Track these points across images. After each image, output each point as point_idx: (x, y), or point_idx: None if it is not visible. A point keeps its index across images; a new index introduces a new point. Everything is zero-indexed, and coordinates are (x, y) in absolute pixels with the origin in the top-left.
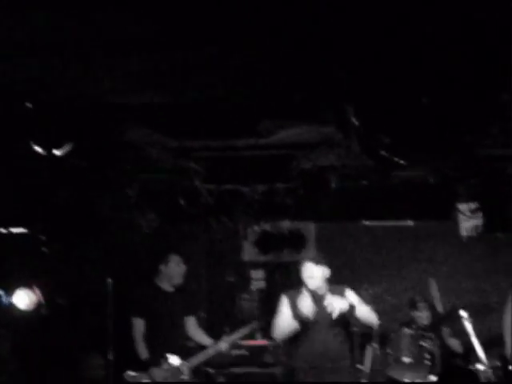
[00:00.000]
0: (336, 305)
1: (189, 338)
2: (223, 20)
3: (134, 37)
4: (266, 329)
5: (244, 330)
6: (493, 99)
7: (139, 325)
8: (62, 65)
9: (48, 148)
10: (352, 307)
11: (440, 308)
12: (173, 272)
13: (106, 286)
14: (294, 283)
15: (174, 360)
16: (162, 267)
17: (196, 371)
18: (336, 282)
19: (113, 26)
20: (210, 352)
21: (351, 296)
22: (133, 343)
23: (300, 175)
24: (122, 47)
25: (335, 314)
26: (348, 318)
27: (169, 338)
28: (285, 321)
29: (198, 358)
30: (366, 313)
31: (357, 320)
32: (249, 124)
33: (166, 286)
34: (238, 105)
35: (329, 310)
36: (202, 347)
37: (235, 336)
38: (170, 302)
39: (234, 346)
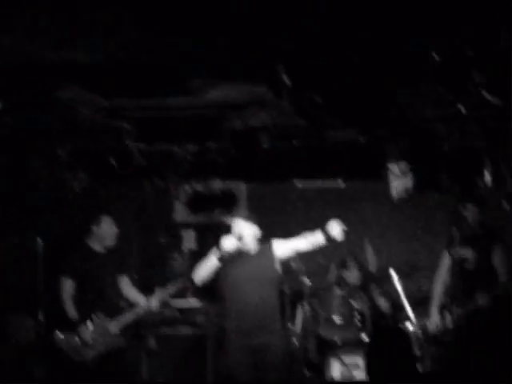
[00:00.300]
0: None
1: (121, 298)
2: None
3: None
4: (198, 289)
5: (174, 286)
6: (423, 59)
7: (68, 285)
8: None
9: None
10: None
11: (373, 269)
12: (104, 233)
13: (36, 247)
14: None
15: (104, 320)
16: (94, 228)
17: (126, 331)
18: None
19: None
20: (140, 311)
21: (279, 246)
22: (62, 303)
23: (231, 135)
24: (51, 4)
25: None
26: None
27: (100, 298)
28: (206, 262)
29: (128, 317)
30: (291, 243)
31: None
32: (180, 83)
33: (98, 247)
34: (170, 64)
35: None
36: (133, 307)
37: (165, 292)
38: (102, 262)
39: (165, 303)
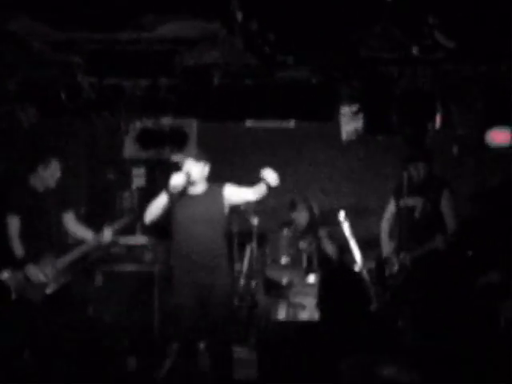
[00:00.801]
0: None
1: (67, 235)
2: None
3: None
4: (146, 227)
5: (121, 222)
6: (376, 2)
7: (14, 222)
8: None
9: None
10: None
11: (316, 210)
12: (49, 175)
13: None
14: None
15: (51, 257)
16: (41, 169)
17: (73, 267)
18: (216, 181)
19: None
20: (87, 247)
21: (230, 190)
22: (8, 241)
23: (183, 71)
24: None
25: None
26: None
27: (46, 236)
28: (156, 201)
29: (74, 254)
30: (241, 193)
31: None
32: (132, 17)
33: (39, 186)
34: None
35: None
36: (81, 242)
37: (113, 228)
38: (45, 200)
39: (113, 240)
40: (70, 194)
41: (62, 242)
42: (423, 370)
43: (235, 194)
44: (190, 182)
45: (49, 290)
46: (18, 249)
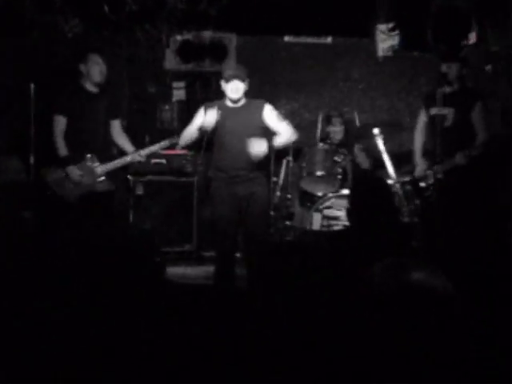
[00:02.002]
0: (258, 150)
1: (111, 143)
2: None
3: None
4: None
5: (164, 143)
6: None
7: (60, 121)
8: None
9: None
10: (271, 146)
11: (354, 124)
12: (92, 70)
13: (28, 91)
14: (214, 94)
15: (92, 161)
16: (82, 66)
17: (115, 176)
18: (255, 97)
19: None
20: (128, 159)
21: (269, 112)
22: (53, 141)
23: None
24: None
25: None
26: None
27: (90, 139)
28: (191, 129)
29: (115, 163)
30: (284, 136)
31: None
32: None
33: (89, 86)
34: None
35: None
36: (122, 153)
37: (154, 147)
38: (94, 102)
39: (153, 155)
40: (117, 103)
41: (105, 149)
42: (452, 278)
43: (271, 119)
44: (232, 113)
45: (86, 193)
46: (62, 149)
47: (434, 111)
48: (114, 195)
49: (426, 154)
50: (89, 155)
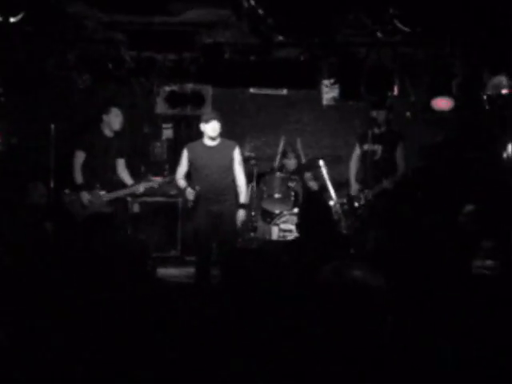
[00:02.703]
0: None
1: (116, 175)
2: None
3: None
4: (172, 168)
5: (158, 181)
6: None
7: (80, 156)
8: None
9: (5, 16)
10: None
11: (302, 158)
12: (113, 120)
13: (49, 130)
14: (194, 133)
15: (100, 190)
16: (104, 116)
17: (116, 201)
18: (227, 135)
19: None
20: (127, 191)
21: (237, 154)
22: (72, 170)
23: (202, 48)
24: None
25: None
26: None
27: (101, 173)
28: (182, 170)
29: (117, 193)
30: (239, 172)
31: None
32: (163, 4)
33: (107, 131)
34: None
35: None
36: (123, 185)
37: (150, 183)
38: (108, 144)
39: (148, 189)
40: (124, 144)
41: (111, 181)
42: (388, 276)
43: (236, 161)
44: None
45: (94, 213)
46: (79, 178)
47: (366, 147)
48: (113, 216)
49: (359, 180)
50: (98, 185)
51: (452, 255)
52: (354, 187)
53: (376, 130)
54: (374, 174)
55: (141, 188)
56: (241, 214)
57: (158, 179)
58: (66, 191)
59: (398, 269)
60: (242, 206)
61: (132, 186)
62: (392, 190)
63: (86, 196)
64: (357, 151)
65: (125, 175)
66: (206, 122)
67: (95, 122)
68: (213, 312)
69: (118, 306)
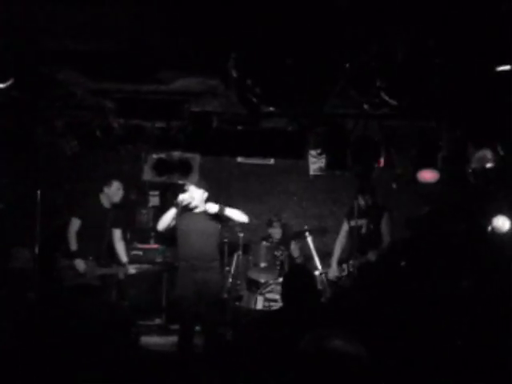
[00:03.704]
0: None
1: (111, 246)
2: None
3: None
4: (158, 237)
5: (141, 267)
6: (339, 69)
7: (76, 223)
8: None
9: None
10: (222, 208)
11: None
12: (113, 193)
13: (35, 196)
14: None
15: (93, 263)
16: (106, 188)
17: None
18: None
19: None
20: (118, 271)
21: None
22: (66, 237)
23: (190, 116)
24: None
25: (210, 210)
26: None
27: (96, 242)
28: (167, 214)
29: (109, 270)
30: (236, 213)
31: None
32: (152, 73)
33: (105, 203)
34: (145, 58)
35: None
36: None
37: (134, 267)
38: (105, 214)
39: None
40: (123, 215)
41: (106, 254)
42: (369, 345)
43: (230, 211)
44: (191, 201)
45: (83, 283)
46: (73, 245)
47: (352, 223)
48: (100, 289)
49: (345, 253)
50: (91, 257)
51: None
52: (333, 271)
53: (361, 205)
54: (360, 247)
55: (128, 270)
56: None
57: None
58: (58, 255)
59: (379, 337)
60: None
61: (123, 266)
62: (376, 262)
63: (81, 264)
64: (345, 227)
65: (120, 248)
66: (187, 187)
67: (94, 191)
68: (195, 381)
69: (101, 373)
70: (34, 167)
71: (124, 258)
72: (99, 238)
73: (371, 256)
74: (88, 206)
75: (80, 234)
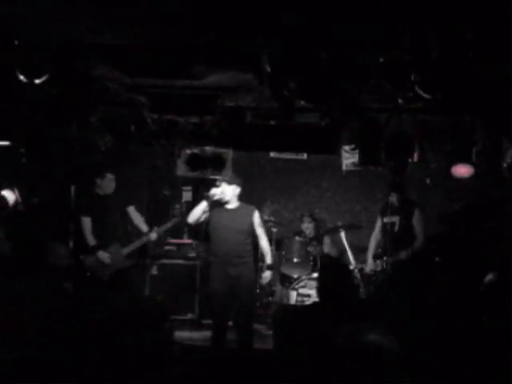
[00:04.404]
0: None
1: (129, 225)
2: None
3: None
4: (191, 231)
5: (169, 224)
6: (373, 63)
7: (86, 220)
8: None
9: (30, 77)
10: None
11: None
12: (106, 186)
13: (69, 191)
14: None
15: (117, 246)
16: (98, 180)
17: (134, 258)
18: (246, 198)
19: None
20: (144, 240)
21: (256, 218)
22: (83, 235)
23: (223, 111)
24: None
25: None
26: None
27: (111, 229)
28: (197, 207)
29: (135, 245)
30: (263, 240)
31: None
32: (186, 68)
33: (100, 192)
34: (180, 53)
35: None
36: (138, 234)
37: (163, 227)
38: (107, 202)
39: (162, 235)
40: (132, 195)
41: (126, 234)
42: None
43: (256, 224)
44: (223, 196)
45: (115, 272)
46: (91, 240)
47: (385, 219)
48: (134, 268)
49: (379, 249)
50: (114, 242)
51: (470, 321)
52: (369, 265)
53: (394, 202)
54: (394, 244)
55: (154, 235)
56: (267, 274)
57: (170, 222)
58: (82, 256)
59: (413, 332)
60: (269, 267)
61: (146, 234)
62: (409, 261)
63: (104, 255)
64: (379, 223)
65: (139, 221)
66: (218, 185)
67: (89, 185)
68: (227, 376)
69: (136, 368)
70: (68, 162)
71: (144, 227)
72: (112, 225)
73: (403, 255)
74: (88, 201)
75: (94, 228)
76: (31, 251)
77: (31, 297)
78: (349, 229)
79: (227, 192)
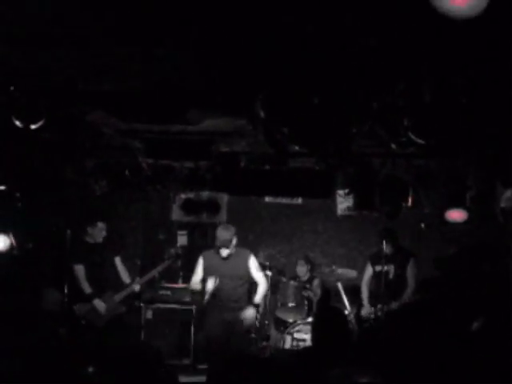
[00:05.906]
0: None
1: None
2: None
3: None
4: (186, 276)
5: (154, 271)
6: (366, 108)
7: (79, 268)
8: (44, 57)
9: (25, 122)
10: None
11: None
12: (96, 234)
13: (65, 236)
14: (209, 240)
15: (110, 293)
16: (89, 229)
17: (126, 303)
18: (241, 244)
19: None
20: (128, 291)
21: (252, 262)
22: (78, 283)
23: (218, 156)
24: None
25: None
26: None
27: (104, 277)
28: (197, 278)
29: (126, 291)
30: (261, 286)
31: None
32: (180, 113)
33: (90, 240)
34: (174, 99)
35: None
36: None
37: (146, 277)
38: (98, 250)
39: (147, 282)
40: (119, 244)
41: (117, 281)
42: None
43: (253, 268)
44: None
45: (109, 320)
46: (87, 288)
47: (378, 268)
48: (126, 319)
49: (372, 298)
50: (107, 290)
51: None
52: (366, 306)
53: (387, 251)
54: (388, 293)
55: (137, 286)
56: (250, 312)
57: (154, 270)
58: (76, 306)
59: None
60: (254, 304)
61: (129, 285)
62: (400, 310)
63: (101, 304)
64: (369, 271)
65: (123, 273)
66: (217, 248)
67: (79, 233)
68: None
69: None
70: (63, 206)
71: (127, 279)
72: (106, 272)
73: (394, 306)
74: (79, 250)
75: (88, 276)
76: (26, 296)
77: (27, 341)
78: (344, 273)
79: (225, 238)
